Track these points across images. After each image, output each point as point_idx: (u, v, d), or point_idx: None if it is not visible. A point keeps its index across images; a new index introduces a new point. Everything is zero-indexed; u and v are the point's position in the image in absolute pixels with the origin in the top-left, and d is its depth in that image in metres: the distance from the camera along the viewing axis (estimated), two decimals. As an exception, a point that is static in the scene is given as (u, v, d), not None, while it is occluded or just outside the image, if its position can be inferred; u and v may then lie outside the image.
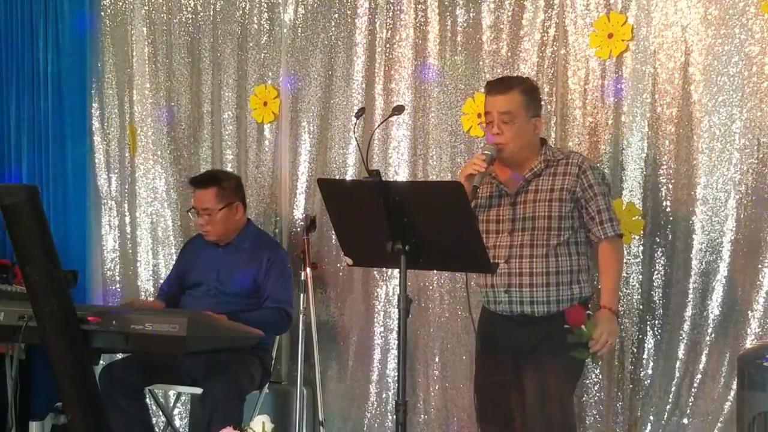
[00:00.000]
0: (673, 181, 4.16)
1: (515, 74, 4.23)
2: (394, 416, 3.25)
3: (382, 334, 4.81)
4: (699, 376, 4.11)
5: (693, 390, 4.12)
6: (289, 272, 4.65)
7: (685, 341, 4.13)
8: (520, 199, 3.66)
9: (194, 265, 4.68)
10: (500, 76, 4.17)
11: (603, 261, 3.67)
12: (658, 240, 4.19)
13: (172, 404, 5.13)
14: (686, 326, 4.13)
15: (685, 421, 4.13)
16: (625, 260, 4.20)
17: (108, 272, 5.46)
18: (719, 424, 4.05)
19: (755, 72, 3.99)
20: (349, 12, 4.86)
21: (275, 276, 4.55)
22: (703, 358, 4.10)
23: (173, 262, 5.01)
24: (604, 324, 3.55)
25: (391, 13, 4.75)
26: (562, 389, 3.60)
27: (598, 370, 4.28)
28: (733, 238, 4.04)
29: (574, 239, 3.65)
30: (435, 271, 4.57)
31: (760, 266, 3.99)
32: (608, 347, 3.57)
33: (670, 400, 4.16)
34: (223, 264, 4.60)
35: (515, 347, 3.66)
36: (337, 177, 4.85)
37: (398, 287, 3.22)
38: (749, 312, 4.02)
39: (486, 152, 3.58)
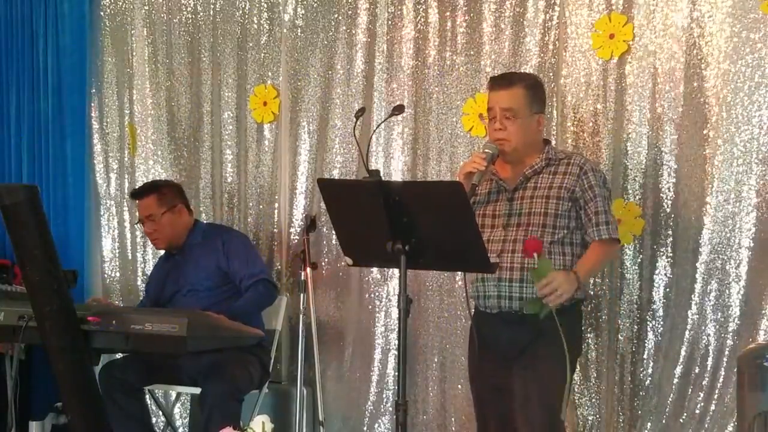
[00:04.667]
0: (674, 181, 4.16)
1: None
2: (394, 416, 3.25)
3: (382, 334, 4.81)
4: (699, 376, 4.10)
5: (693, 390, 4.11)
6: (249, 245, 4.72)
7: (685, 341, 4.13)
8: (517, 195, 3.63)
9: (163, 281, 4.72)
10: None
11: (589, 250, 3.60)
12: (658, 240, 4.18)
13: (171, 404, 5.13)
14: (686, 326, 4.12)
15: (685, 421, 4.13)
16: (625, 260, 4.22)
17: (107, 272, 5.46)
18: (719, 424, 4.04)
19: (757, 72, 3.98)
20: (349, 12, 4.86)
21: (238, 255, 4.58)
22: (703, 358, 4.10)
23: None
24: (561, 274, 3.42)
25: (391, 13, 4.75)
26: (550, 390, 3.54)
27: (601, 370, 4.28)
28: (735, 238, 4.03)
29: (569, 239, 3.60)
30: (435, 271, 4.56)
31: (762, 267, 3.99)
32: (557, 298, 3.38)
33: (670, 400, 4.16)
34: (185, 267, 4.64)
35: (505, 348, 3.61)
36: (337, 177, 4.85)
37: (398, 287, 3.22)
38: (750, 312, 4.02)
39: (487, 150, 3.56)
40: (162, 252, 4.86)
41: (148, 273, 5.35)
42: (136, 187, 4.96)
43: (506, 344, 3.60)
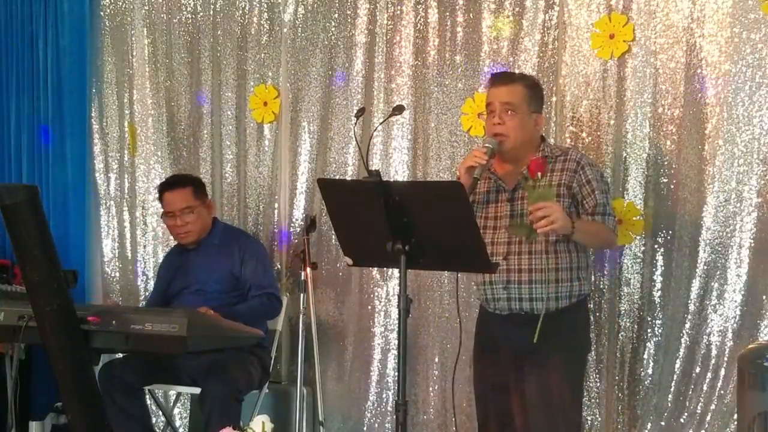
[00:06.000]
0: (674, 182, 4.16)
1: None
2: (394, 416, 3.25)
3: (382, 334, 4.81)
4: (699, 376, 4.10)
5: (693, 390, 4.12)
6: (265, 257, 4.72)
7: (685, 341, 4.13)
8: (517, 195, 3.64)
9: (173, 276, 4.71)
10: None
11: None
12: (659, 240, 4.18)
13: (171, 404, 5.13)
14: (686, 326, 4.12)
15: (685, 421, 4.13)
16: (625, 260, 4.22)
17: (107, 272, 5.46)
18: (719, 424, 4.04)
19: (757, 72, 3.98)
20: (349, 12, 4.86)
21: (252, 264, 4.60)
22: (703, 358, 4.10)
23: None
24: (558, 206, 3.40)
25: (391, 13, 4.75)
26: (565, 386, 3.57)
27: (601, 370, 4.28)
28: (735, 238, 4.03)
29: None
30: (435, 271, 4.56)
31: (762, 267, 3.99)
32: (547, 224, 3.34)
33: (670, 400, 4.16)
34: (198, 265, 4.63)
35: (515, 347, 3.63)
36: (337, 177, 4.85)
37: (398, 287, 3.22)
38: (750, 312, 4.01)
39: (487, 145, 3.58)
40: (164, 250, 4.86)
41: (149, 273, 5.36)
42: (165, 179, 4.86)
43: (517, 342, 3.62)
